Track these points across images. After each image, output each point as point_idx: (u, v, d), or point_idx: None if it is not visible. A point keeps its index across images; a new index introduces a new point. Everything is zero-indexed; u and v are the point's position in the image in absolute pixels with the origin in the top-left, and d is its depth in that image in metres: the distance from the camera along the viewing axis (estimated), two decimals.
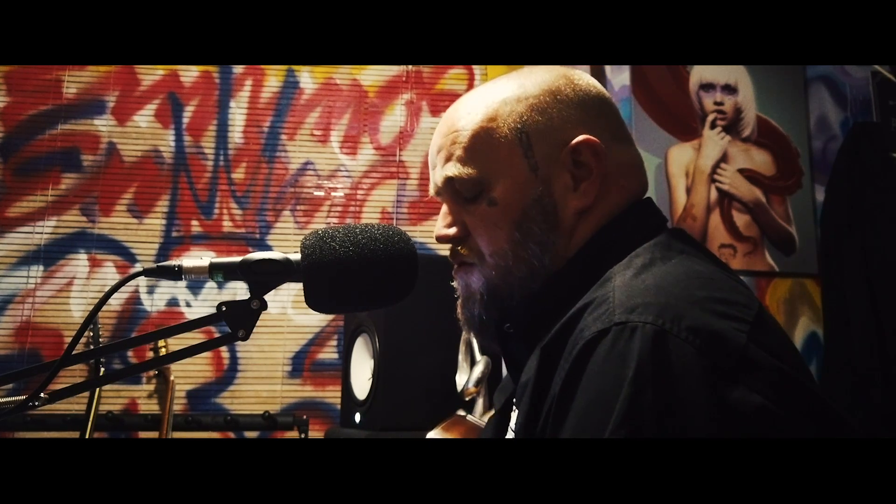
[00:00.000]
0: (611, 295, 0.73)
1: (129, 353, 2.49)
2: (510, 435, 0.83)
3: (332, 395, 2.63)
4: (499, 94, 0.89)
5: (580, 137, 0.85)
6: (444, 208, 0.91)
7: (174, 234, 2.67)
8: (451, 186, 0.88)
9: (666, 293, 0.71)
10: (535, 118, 0.86)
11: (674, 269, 0.76)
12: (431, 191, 0.92)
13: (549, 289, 0.85)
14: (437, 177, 0.90)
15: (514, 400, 0.84)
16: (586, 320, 0.73)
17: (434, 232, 0.92)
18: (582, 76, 0.91)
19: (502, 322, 0.88)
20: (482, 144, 0.86)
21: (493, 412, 1.01)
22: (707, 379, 0.64)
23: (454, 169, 0.87)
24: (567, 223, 0.85)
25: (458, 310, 0.91)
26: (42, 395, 0.75)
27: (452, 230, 0.89)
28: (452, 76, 2.94)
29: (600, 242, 0.84)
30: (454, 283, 0.92)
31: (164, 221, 2.67)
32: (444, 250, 0.93)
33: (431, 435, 1.24)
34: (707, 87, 2.97)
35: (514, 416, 0.83)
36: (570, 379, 0.70)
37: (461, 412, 1.94)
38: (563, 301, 0.80)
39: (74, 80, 2.70)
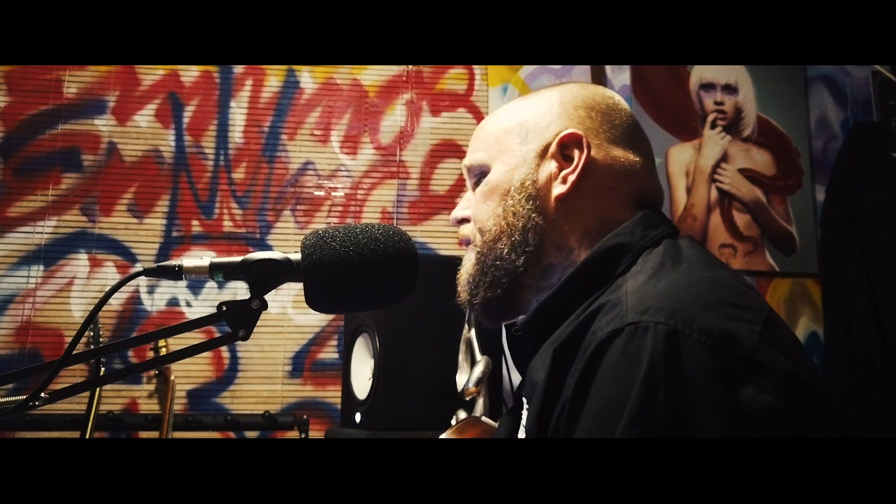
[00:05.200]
0: (623, 298, 0.75)
1: (129, 353, 2.49)
2: (522, 433, 0.83)
3: (333, 395, 2.63)
4: (523, 100, 0.99)
5: (568, 131, 0.92)
6: (465, 195, 1.02)
7: (174, 234, 2.67)
8: (469, 174, 0.99)
9: (678, 297, 0.72)
10: (536, 113, 0.95)
11: (684, 275, 0.78)
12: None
13: (556, 293, 0.87)
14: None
15: (525, 399, 0.85)
16: (599, 322, 0.74)
17: (451, 214, 1.03)
18: (599, 88, 0.99)
19: (494, 294, 0.93)
20: (490, 135, 0.97)
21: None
22: (718, 379, 0.65)
23: (468, 158, 0.99)
24: (550, 208, 0.91)
25: (458, 280, 0.99)
26: (42, 395, 0.75)
27: (463, 212, 1.00)
28: (452, 76, 2.93)
29: (609, 247, 0.87)
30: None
31: (164, 221, 2.67)
32: (445, 250, 0.97)
33: (445, 437, 1.24)
34: (707, 87, 2.97)
35: (524, 414, 0.84)
36: (583, 379, 0.71)
37: (461, 412, 1.94)
38: (568, 304, 0.83)
39: (74, 80, 2.70)
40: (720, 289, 0.76)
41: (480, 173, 0.96)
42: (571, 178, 0.90)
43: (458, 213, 1.01)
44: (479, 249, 0.94)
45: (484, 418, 1.37)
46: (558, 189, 0.91)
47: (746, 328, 0.69)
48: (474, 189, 0.98)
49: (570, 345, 0.76)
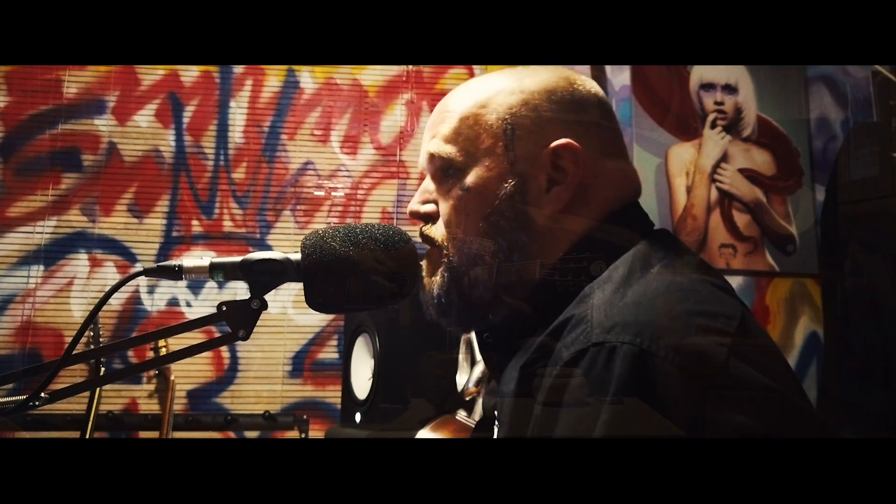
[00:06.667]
0: (588, 313, 0.71)
1: (129, 353, 2.49)
2: None
3: (333, 394, 2.63)
4: (497, 84, 0.88)
5: (562, 141, 0.83)
6: (424, 184, 0.91)
7: (174, 233, 2.67)
8: (432, 163, 0.88)
9: (645, 310, 0.69)
10: (524, 113, 0.85)
11: (653, 282, 0.74)
12: (419, 164, 0.92)
13: (528, 300, 0.84)
14: (423, 151, 0.90)
15: (497, 412, 0.84)
16: (565, 340, 0.72)
17: (408, 206, 0.91)
18: (585, 82, 0.89)
19: (469, 311, 0.87)
20: (468, 128, 0.86)
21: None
22: (688, 400, 0.64)
23: (436, 146, 0.87)
24: (537, 226, 0.83)
25: (421, 291, 0.90)
26: (42, 395, 0.75)
27: (425, 207, 0.90)
28: (452, 76, 2.93)
29: (579, 252, 0.83)
30: (423, 262, 0.90)
31: (164, 221, 2.67)
32: None
33: (421, 434, 1.24)
34: (707, 87, 2.97)
35: (496, 428, 0.83)
36: (550, 401, 0.69)
37: (462, 412, 1.94)
38: (541, 311, 0.79)
39: (74, 80, 2.69)
40: (690, 296, 0.73)
41: (452, 169, 0.86)
42: (564, 196, 0.83)
43: (420, 207, 0.90)
44: (453, 266, 0.86)
45: (458, 416, 1.37)
46: (548, 206, 0.83)
47: (717, 341, 0.67)
48: (438, 181, 0.88)
49: (537, 361, 0.74)
